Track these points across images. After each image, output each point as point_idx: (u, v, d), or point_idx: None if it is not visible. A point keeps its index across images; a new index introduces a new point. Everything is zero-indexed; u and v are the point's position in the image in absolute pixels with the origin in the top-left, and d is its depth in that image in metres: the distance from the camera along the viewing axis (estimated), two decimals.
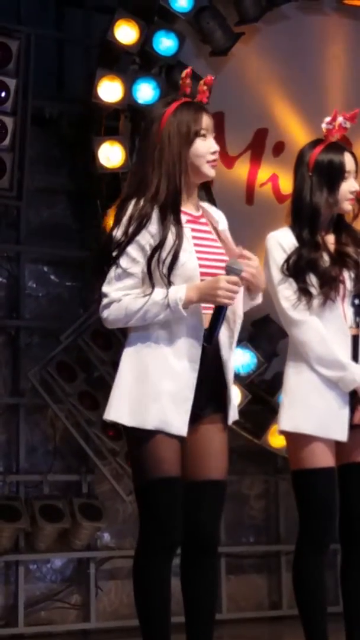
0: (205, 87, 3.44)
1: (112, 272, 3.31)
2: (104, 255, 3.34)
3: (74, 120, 6.00)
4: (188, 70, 3.51)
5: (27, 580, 5.65)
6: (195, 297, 3.25)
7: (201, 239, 3.39)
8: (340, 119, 3.79)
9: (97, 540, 5.80)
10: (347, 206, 3.77)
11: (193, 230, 3.35)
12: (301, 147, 3.85)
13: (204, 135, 3.38)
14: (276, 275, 3.73)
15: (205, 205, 3.50)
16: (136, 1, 5.85)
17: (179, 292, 3.25)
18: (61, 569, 5.80)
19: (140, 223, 3.28)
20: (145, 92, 5.77)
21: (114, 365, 5.34)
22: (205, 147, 3.38)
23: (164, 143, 3.33)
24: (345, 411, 3.70)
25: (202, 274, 3.31)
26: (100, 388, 5.60)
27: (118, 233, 3.31)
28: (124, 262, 3.29)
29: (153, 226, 3.29)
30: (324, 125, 3.81)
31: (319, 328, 3.69)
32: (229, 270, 3.25)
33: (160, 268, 3.26)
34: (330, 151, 3.75)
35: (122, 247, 3.29)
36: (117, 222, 3.33)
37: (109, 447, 5.58)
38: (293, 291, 3.70)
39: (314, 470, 3.67)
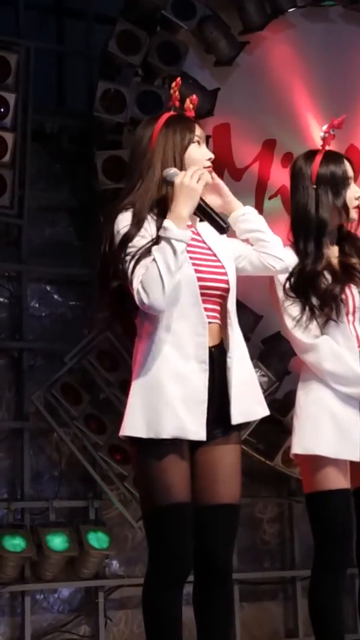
0: (191, 106, 3.43)
1: (126, 267, 3.23)
2: (101, 273, 3.30)
3: (76, 135, 5.93)
4: (177, 80, 3.48)
5: (33, 611, 5.51)
6: (180, 210, 3.21)
7: (194, 247, 3.33)
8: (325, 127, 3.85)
9: (105, 568, 5.66)
10: (353, 214, 3.75)
11: None
12: (294, 160, 3.86)
13: (197, 142, 3.35)
14: (281, 295, 3.69)
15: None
16: (138, 11, 5.74)
17: (164, 222, 3.21)
18: (69, 598, 5.68)
19: (137, 224, 3.26)
20: (149, 104, 5.64)
21: (121, 386, 5.44)
22: (200, 153, 3.35)
23: (157, 153, 3.29)
24: (357, 429, 3.63)
25: (200, 279, 3.28)
26: (106, 410, 5.51)
27: (117, 239, 3.26)
28: (130, 250, 3.23)
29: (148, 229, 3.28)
30: (321, 134, 3.83)
31: (332, 346, 3.62)
32: (168, 180, 3.26)
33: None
34: (330, 162, 3.75)
35: (125, 243, 3.25)
36: (110, 235, 3.29)
37: (116, 472, 5.47)
38: (300, 309, 3.65)
39: (328, 492, 3.60)
